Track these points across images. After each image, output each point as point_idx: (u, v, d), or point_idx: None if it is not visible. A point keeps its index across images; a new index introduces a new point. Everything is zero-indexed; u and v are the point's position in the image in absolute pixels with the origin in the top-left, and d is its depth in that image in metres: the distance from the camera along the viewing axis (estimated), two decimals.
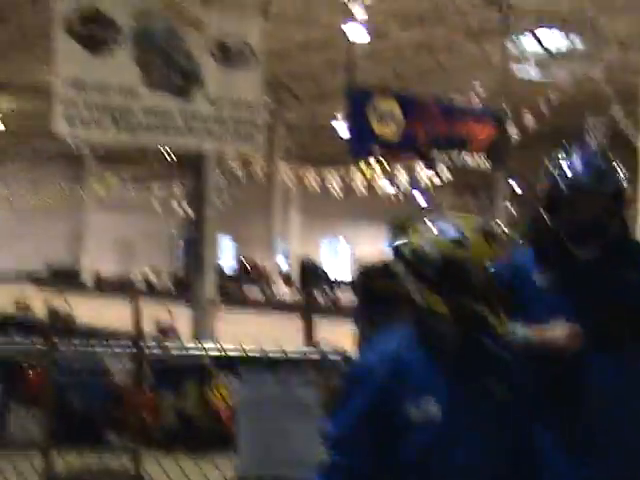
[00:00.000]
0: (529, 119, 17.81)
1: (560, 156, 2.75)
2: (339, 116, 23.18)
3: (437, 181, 23.95)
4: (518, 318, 2.55)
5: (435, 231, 2.33)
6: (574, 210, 2.63)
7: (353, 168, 24.20)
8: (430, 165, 14.62)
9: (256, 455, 3.62)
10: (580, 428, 2.59)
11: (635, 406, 2.59)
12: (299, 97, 22.60)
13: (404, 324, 2.36)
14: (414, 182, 23.27)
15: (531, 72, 19.09)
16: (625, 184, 2.68)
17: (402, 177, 21.59)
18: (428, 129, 11.23)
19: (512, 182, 32.45)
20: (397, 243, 2.48)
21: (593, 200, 2.63)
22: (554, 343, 2.53)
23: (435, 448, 2.23)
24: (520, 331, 2.56)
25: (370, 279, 9.35)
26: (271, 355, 3.30)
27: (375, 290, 9.08)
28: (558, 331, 2.55)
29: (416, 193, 29.42)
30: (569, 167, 2.68)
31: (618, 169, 2.69)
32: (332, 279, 26.43)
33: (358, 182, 24.37)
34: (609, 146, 18.51)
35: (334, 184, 25.25)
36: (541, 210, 2.71)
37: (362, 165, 22.65)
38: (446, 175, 23.47)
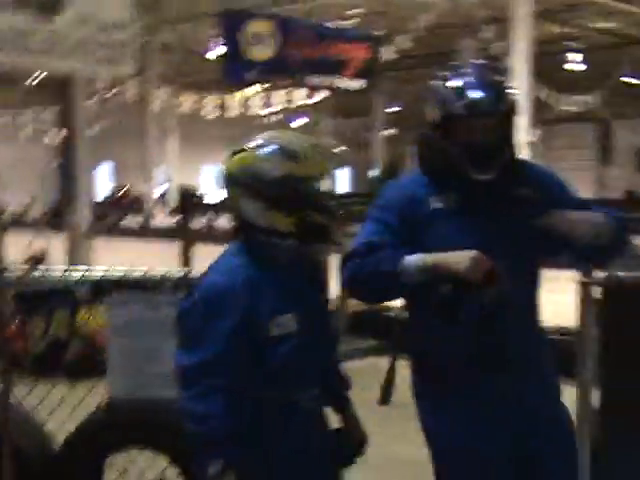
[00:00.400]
0: (404, 40, 17.90)
1: (451, 76, 2.63)
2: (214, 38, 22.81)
3: (312, 103, 23.98)
4: (415, 246, 2.54)
5: (269, 150, 2.37)
6: (472, 132, 2.55)
7: (231, 92, 23.92)
8: (306, 87, 14.62)
9: (127, 377, 3.63)
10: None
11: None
12: (173, 19, 22.02)
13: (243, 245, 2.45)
14: (290, 105, 23.22)
15: None
16: (515, 100, 2.63)
17: (278, 100, 21.49)
18: (304, 51, 11.17)
19: (390, 105, 32.98)
20: (226, 167, 2.45)
21: (492, 120, 2.56)
22: (460, 270, 2.45)
23: (293, 357, 2.39)
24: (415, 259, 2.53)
25: None
26: (136, 277, 3.30)
27: None
28: (463, 257, 2.47)
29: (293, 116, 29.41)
30: (464, 87, 2.57)
31: (507, 87, 2.63)
32: (211, 205, 26.21)
33: (235, 106, 24.13)
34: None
35: (211, 109, 24.91)
36: (432, 134, 2.63)
37: (238, 89, 22.42)
38: (322, 97, 23.51)
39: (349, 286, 2.69)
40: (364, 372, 7.47)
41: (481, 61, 2.78)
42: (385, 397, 6.03)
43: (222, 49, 11.49)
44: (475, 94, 2.55)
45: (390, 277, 2.53)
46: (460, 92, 2.56)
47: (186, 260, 3.86)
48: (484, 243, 2.50)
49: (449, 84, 2.61)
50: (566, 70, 25.16)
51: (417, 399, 2.80)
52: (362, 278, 2.60)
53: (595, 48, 24.51)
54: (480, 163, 2.56)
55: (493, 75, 2.64)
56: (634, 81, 27.39)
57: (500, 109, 2.57)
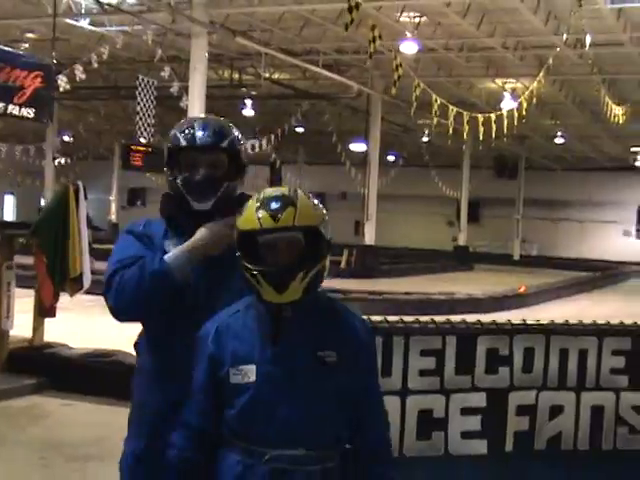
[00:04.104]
0: (80, 71, 17.67)
1: (183, 119, 3.03)
2: None
3: None
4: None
5: None
6: (193, 164, 2.83)
7: None
8: None
9: None
10: None
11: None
12: None
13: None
14: None
15: (84, 25, 18.99)
16: (239, 142, 2.92)
17: None
18: None
19: (63, 134, 32.13)
20: None
21: (210, 155, 2.85)
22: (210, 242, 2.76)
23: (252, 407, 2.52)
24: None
25: None
26: None
27: None
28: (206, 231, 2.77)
29: None
30: (190, 124, 2.89)
31: (231, 129, 2.92)
32: None
33: None
34: (159, 104, 19.25)
35: None
36: (165, 169, 2.88)
37: None
38: None
39: (118, 300, 2.74)
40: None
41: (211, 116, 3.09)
42: None
43: None
44: (197, 130, 2.86)
45: (158, 275, 2.69)
46: (185, 128, 2.89)
47: None
48: (214, 279, 2.79)
49: (178, 124, 2.94)
50: (241, 114, 26.26)
51: None
52: (130, 286, 2.70)
53: (266, 97, 25.93)
54: (198, 193, 2.82)
55: (217, 121, 2.95)
56: (300, 130, 29.28)
57: (217, 144, 2.85)
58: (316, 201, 2.60)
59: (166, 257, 2.73)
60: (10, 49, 13.43)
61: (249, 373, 2.49)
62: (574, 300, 21.45)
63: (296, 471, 2.48)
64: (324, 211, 2.60)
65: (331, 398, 2.53)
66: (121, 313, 2.78)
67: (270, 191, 2.58)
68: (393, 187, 32.65)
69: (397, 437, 3.72)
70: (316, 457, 2.51)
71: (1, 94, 10.95)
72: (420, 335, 3.81)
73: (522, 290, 19.77)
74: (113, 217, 39.45)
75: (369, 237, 26.29)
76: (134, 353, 2.99)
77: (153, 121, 18.89)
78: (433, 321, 3.93)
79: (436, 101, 19.02)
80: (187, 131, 2.86)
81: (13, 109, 11.18)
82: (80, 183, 8.29)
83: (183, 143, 2.85)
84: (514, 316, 5.13)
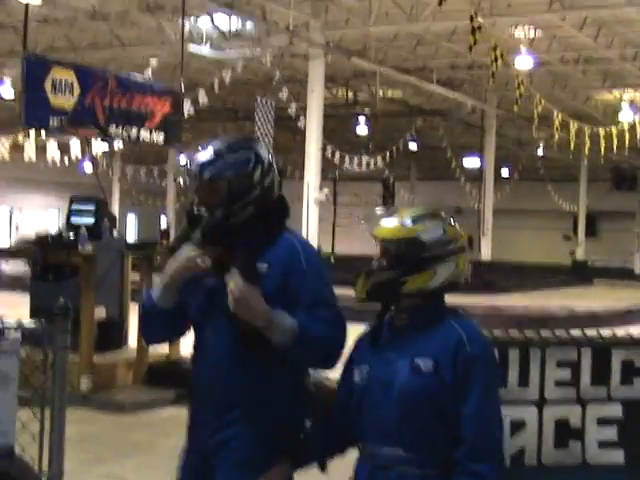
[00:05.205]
0: (203, 95, 18.35)
1: (196, 149, 3.05)
2: (5, 78, 22.21)
3: (106, 149, 23.83)
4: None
5: None
6: (197, 195, 2.95)
7: (23, 135, 23.29)
8: (106, 139, 14.66)
9: None
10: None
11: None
12: None
13: None
14: (85, 152, 22.98)
15: (205, 51, 19.69)
16: (238, 167, 2.93)
17: (74, 146, 21.20)
18: (106, 102, 11.28)
19: (183, 156, 33.21)
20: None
21: (208, 187, 2.92)
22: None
23: None
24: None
25: (45, 248, 9.38)
26: None
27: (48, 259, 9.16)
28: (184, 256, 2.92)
29: (87, 163, 28.97)
30: (195, 157, 2.97)
31: (228, 154, 2.93)
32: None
33: (28, 149, 23.51)
34: (275, 124, 19.75)
35: (1, 150, 24.11)
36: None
37: (33, 133, 21.89)
38: (119, 146, 23.43)
39: (140, 331, 3.24)
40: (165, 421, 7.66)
41: (233, 135, 3.20)
42: None
43: (22, 92, 11.33)
44: (193, 162, 2.96)
45: (145, 308, 3.02)
46: (190, 158, 3.02)
47: None
48: (213, 301, 2.91)
49: (191, 155, 3.06)
50: (355, 133, 26.61)
51: None
52: (140, 321, 3.10)
53: (380, 114, 26.18)
54: (192, 224, 2.95)
55: (218, 150, 2.95)
56: (414, 146, 29.38)
57: (202, 177, 2.91)
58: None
59: (152, 290, 3.01)
60: (141, 77, 14.13)
61: (357, 373, 2.79)
62: None
63: (393, 469, 2.66)
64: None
65: (427, 405, 2.64)
66: (148, 342, 3.37)
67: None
68: (508, 202, 32.36)
69: (535, 446, 3.86)
70: (414, 460, 2.64)
71: (134, 120, 11.55)
72: (556, 347, 3.93)
73: None
74: None
75: (485, 252, 26.15)
76: None
77: (271, 141, 19.40)
78: (568, 333, 4.05)
79: (557, 116, 18.86)
80: (189, 162, 3.03)
81: (145, 134, 11.78)
82: None
83: (188, 176, 3.02)
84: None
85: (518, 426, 3.82)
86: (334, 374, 2.98)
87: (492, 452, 2.68)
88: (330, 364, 2.93)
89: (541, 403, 3.95)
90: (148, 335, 3.21)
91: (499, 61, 13.39)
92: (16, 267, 23.98)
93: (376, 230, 2.78)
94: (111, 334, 9.16)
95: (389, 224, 2.78)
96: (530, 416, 3.81)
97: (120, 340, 9.38)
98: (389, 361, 2.72)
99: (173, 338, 3.36)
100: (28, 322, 3.23)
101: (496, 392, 2.80)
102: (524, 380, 3.90)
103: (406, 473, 2.64)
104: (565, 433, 3.96)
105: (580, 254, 35.75)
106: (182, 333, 3.16)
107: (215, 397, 2.92)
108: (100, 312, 8.74)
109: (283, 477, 2.91)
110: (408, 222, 2.76)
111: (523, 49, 18.08)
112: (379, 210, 2.89)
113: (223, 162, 2.91)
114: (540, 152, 30.92)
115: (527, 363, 3.91)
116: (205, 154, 2.94)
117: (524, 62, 18.17)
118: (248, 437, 2.89)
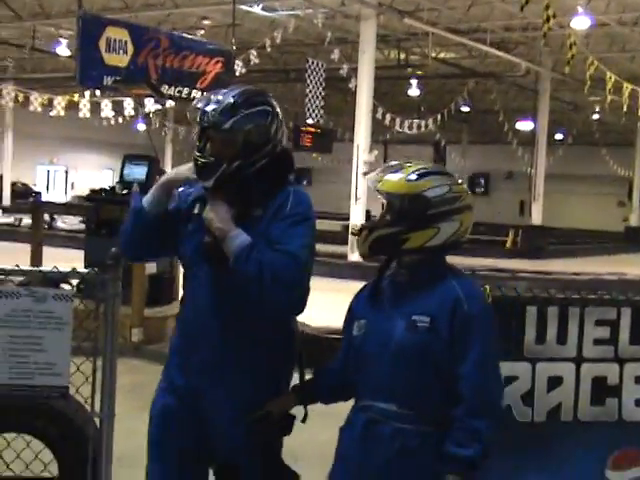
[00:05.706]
0: (254, 56, 18.41)
1: (207, 95, 2.96)
2: (62, 39, 22.47)
3: (159, 109, 24.07)
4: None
5: None
6: (200, 140, 2.92)
7: (77, 93, 23.62)
8: (159, 99, 14.83)
9: (8, 365, 3.83)
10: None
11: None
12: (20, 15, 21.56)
13: None
14: (139, 112, 23.24)
15: (257, 10, 19.70)
16: (255, 120, 2.88)
17: (127, 105, 21.45)
18: (159, 62, 11.42)
19: None
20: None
21: (211, 134, 2.88)
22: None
23: None
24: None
25: (98, 205, 9.59)
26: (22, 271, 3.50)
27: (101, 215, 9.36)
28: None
29: (140, 124, 29.29)
30: (203, 103, 2.87)
31: (242, 107, 2.86)
32: (51, 204, 25.88)
33: (82, 108, 23.83)
34: (326, 86, 19.74)
35: (57, 108, 24.48)
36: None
37: (87, 92, 22.21)
38: (171, 106, 23.62)
39: (121, 242, 3.16)
40: None
41: (244, 86, 3.04)
42: None
43: (76, 51, 11.50)
44: (207, 106, 2.84)
45: (133, 210, 3.04)
46: (200, 102, 2.90)
47: (38, 258, 4.02)
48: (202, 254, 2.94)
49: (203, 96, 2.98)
50: (406, 95, 26.44)
51: None
52: (123, 227, 3.10)
53: (432, 76, 25.96)
54: (199, 173, 2.91)
55: (227, 100, 2.85)
56: (466, 109, 29.08)
57: (219, 126, 2.84)
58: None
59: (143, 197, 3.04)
60: (193, 37, 14.24)
61: (356, 327, 2.80)
62: None
63: (387, 424, 2.67)
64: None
65: (422, 362, 2.65)
66: (125, 252, 3.22)
67: None
68: (561, 166, 31.96)
69: (572, 402, 3.93)
70: (408, 416, 2.66)
71: (187, 80, 11.68)
72: (595, 306, 3.97)
73: None
74: None
75: (536, 217, 25.93)
76: None
77: (322, 103, 19.40)
78: (608, 293, 4.08)
79: (610, 78, 18.51)
80: (200, 105, 2.87)
81: (197, 94, 11.90)
82: None
83: (190, 115, 2.93)
84: None
85: (556, 382, 3.87)
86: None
87: (491, 409, 2.68)
88: (293, 305, 2.89)
89: (579, 360, 4.01)
90: (125, 239, 3.11)
91: (551, 21, 13.15)
92: (72, 223, 24.53)
93: (380, 184, 2.73)
94: (162, 289, 9.35)
95: (394, 178, 2.73)
96: (568, 373, 3.86)
97: (170, 295, 9.57)
98: (387, 317, 2.72)
99: (146, 254, 3.34)
100: (82, 271, 3.38)
101: (494, 350, 2.77)
102: (562, 338, 3.95)
103: (401, 429, 2.66)
104: (602, 390, 4.01)
105: (634, 220, 35.19)
106: (156, 255, 3.48)
107: (202, 342, 2.96)
108: (151, 267, 8.92)
109: (288, 406, 2.98)
110: (413, 177, 2.71)
111: (580, 9, 17.74)
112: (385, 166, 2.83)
113: (244, 114, 2.85)
114: (595, 116, 30.41)
115: (566, 321, 3.96)
116: (222, 103, 2.84)
117: (581, 23, 17.83)
118: (240, 379, 2.94)
